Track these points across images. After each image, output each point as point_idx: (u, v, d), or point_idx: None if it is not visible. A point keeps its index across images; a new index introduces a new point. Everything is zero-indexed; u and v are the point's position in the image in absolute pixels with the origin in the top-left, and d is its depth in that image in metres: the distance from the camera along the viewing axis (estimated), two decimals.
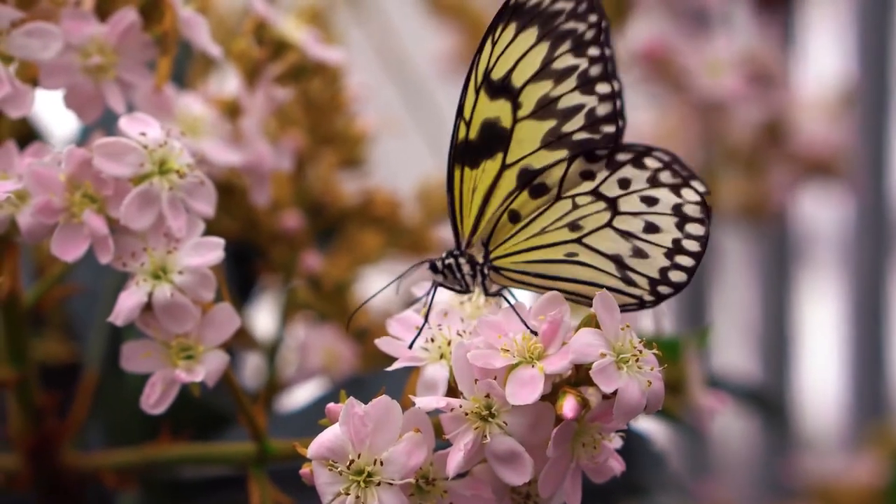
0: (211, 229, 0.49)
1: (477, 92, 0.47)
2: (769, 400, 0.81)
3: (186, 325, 0.48)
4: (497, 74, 0.47)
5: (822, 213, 1.22)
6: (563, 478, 0.44)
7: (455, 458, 0.44)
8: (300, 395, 0.67)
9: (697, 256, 0.46)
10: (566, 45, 0.46)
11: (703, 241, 0.46)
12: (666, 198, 0.46)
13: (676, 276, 0.47)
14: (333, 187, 0.67)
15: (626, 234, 0.47)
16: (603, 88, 0.46)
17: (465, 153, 0.47)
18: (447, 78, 0.88)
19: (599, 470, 0.45)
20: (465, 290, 0.48)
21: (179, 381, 0.47)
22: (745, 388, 0.73)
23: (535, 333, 0.44)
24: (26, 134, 0.60)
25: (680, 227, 0.46)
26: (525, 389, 0.43)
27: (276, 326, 0.68)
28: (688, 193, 0.46)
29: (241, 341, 0.65)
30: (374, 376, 0.57)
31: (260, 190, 0.57)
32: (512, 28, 0.47)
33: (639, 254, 0.47)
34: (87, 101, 0.51)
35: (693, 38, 0.88)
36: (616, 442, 0.45)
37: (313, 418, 0.47)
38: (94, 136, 0.51)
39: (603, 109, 0.46)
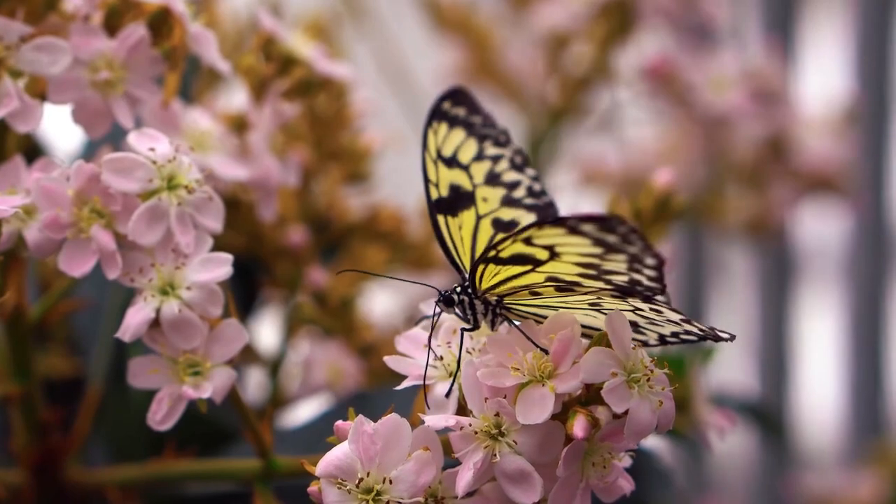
0: (215, 244, 0.49)
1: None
2: (768, 416, 0.81)
3: (194, 341, 0.47)
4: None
5: (822, 228, 1.22)
6: (572, 497, 0.44)
7: (464, 477, 0.43)
8: (304, 411, 0.67)
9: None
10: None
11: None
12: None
13: (686, 337, 0.47)
14: (339, 202, 0.67)
15: (645, 318, 0.46)
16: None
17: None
18: None
19: (609, 489, 0.45)
20: (474, 326, 0.47)
21: (187, 398, 0.47)
22: (744, 404, 0.73)
23: (546, 352, 0.44)
24: (30, 148, 0.59)
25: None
26: (535, 408, 0.43)
27: (279, 341, 0.68)
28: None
29: (244, 356, 0.65)
30: (379, 392, 0.57)
31: (267, 205, 0.57)
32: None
33: (653, 323, 0.47)
34: (96, 116, 0.51)
35: (697, 54, 0.88)
36: (625, 461, 0.45)
37: (318, 434, 0.47)
38: (101, 152, 0.51)
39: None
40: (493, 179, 0.51)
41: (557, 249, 0.45)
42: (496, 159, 0.52)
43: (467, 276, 0.47)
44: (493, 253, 0.46)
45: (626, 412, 0.43)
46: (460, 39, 0.90)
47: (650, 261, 0.44)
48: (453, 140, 0.52)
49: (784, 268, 1.20)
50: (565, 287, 0.46)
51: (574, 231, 0.43)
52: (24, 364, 0.53)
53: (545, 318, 0.46)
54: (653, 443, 0.57)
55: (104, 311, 0.60)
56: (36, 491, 0.56)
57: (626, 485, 0.45)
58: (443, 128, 0.52)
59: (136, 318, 0.47)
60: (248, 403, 0.51)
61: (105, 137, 0.52)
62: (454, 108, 0.52)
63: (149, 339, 0.48)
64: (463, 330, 0.47)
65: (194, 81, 0.64)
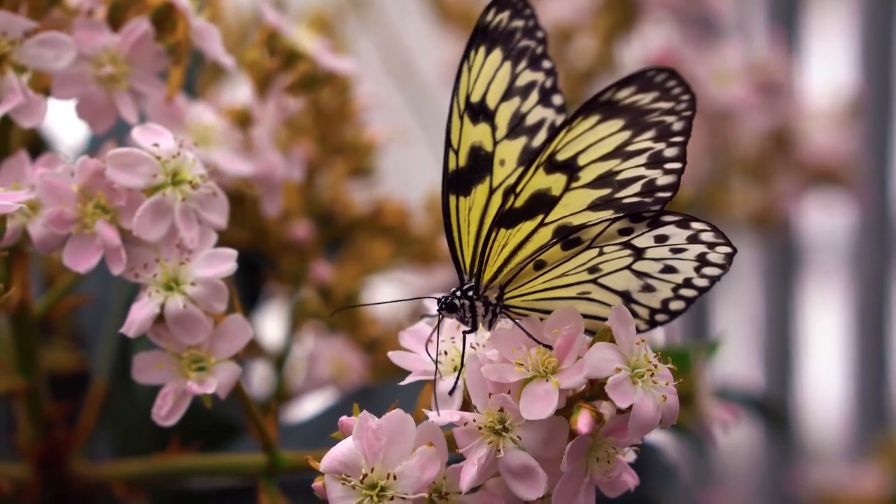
0: (220, 239, 0.49)
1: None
2: (773, 409, 0.80)
3: (198, 336, 0.47)
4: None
5: (826, 221, 1.22)
6: (576, 492, 0.44)
7: (469, 473, 0.43)
8: (308, 406, 0.67)
9: (702, 290, 0.46)
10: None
11: (714, 280, 0.46)
12: (695, 249, 0.46)
13: (675, 306, 0.47)
14: (343, 197, 0.67)
15: (642, 275, 0.46)
16: (672, 165, 0.45)
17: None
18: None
19: (613, 484, 0.45)
20: (473, 328, 0.47)
21: (191, 393, 0.47)
22: (748, 397, 0.73)
23: (550, 348, 0.44)
24: (35, 144, 0.59)
25: (697, 269, 0.46)
26: (539, 404, 0.43)
27: (284, 336, 0.68)
28: (721, 249, 0.46)
29: (249, 351, 0.65)
30: (383, 387, 0.57)
31: (271, 199, 0.57)
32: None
33: (647, 289, 0.46)
34: (100, 111, 0.51)
35: (701, 47, 0.88)
36: (630, 456, 0.45)
37: (322, 429, 0.47)
38: (106, 147, 0.51)
39: (665, 181, 0.45)
40: (517, 125, 0.47)
41: (580, 160, 0.44)
42: (527, 90, 0.48)
43: (467, 276, 0.47)
44: (510, 202, 0.45)
45: (629, 407, 0.43)
46: (464, 32, 0.89)
47: (678, 124, 0.44)
48: (488, 69, 0.47)
49: (788, 260, 1.20)
50: (573, 239, 0.45)
51: (610, 106, 0.43)
52: (29, 359, 0.53)
53: (540, 312, 0.46)
54: (657, 437, 0.57)
55: (109, 306, 0.60)
56: (41, 485, 0.56)
57: (631, 479, 0.45)
58: (480, 54, 0.47)
59: (140, 314, 0.47)
60: (252, 398, 0.51)
61: (109, 132, 0.52)
62: (498, 14, 0.47)
63: (153, 334, 0.48)
64: (464, 332, 0.47)
65: (198, 76, 0.64)
